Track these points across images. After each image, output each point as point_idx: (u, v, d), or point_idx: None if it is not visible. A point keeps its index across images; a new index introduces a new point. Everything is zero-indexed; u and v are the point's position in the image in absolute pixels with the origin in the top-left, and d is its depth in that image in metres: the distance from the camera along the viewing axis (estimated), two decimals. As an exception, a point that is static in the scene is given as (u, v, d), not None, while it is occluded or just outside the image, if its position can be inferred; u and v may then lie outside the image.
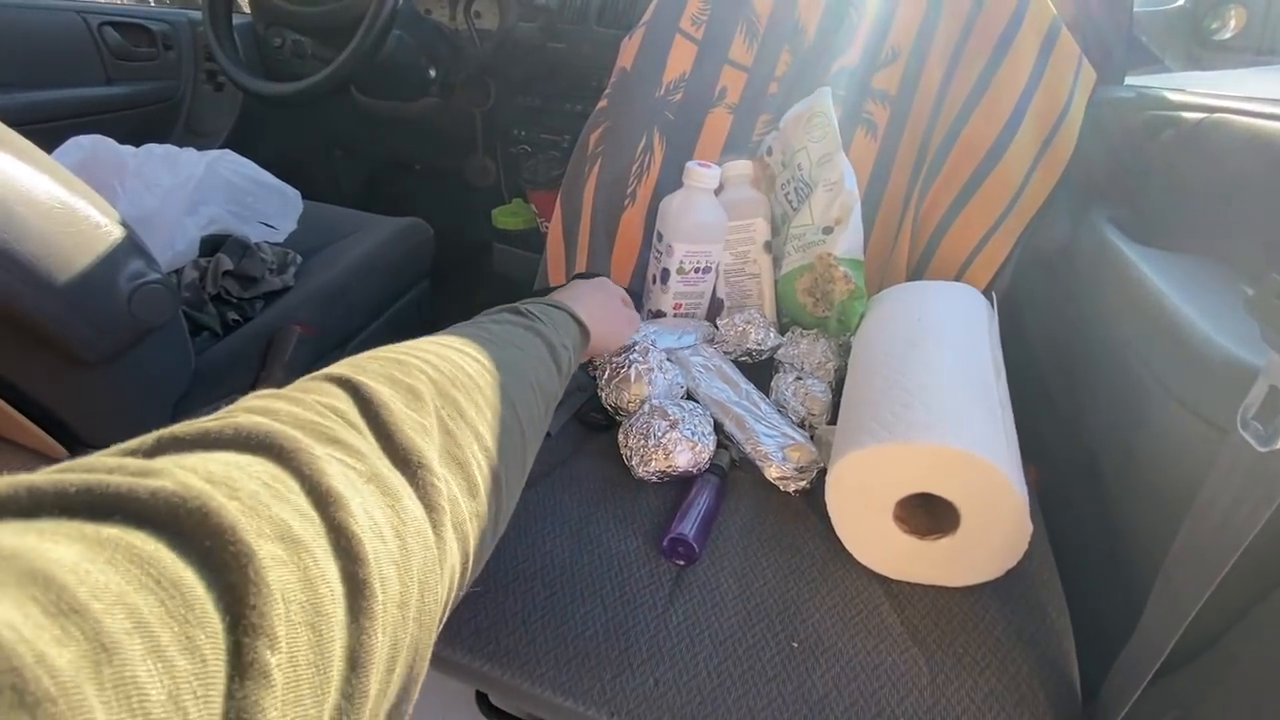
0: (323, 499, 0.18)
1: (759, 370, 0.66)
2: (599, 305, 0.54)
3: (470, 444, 0.27)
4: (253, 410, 0.21)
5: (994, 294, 0.63)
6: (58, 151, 0.73)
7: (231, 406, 0.22)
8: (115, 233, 0.58)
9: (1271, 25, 0.79)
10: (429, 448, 0.24)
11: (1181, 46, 0.92)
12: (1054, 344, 0.68)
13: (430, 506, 0.22)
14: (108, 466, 0.16)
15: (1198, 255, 0.58)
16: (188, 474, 0.16)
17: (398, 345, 0.32)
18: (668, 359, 0.62)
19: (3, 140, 0.53)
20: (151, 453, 0.18)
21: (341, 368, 0.27)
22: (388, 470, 0.22)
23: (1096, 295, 0.60)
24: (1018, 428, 0.49)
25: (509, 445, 0.31)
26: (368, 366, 0.27)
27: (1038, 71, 0.69)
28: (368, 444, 0.22)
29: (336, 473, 0.19)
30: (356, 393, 0.24)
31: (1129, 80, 0.87)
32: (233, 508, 0.16)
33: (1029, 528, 0.43)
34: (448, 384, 0.29)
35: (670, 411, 0.54)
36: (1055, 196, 0.69)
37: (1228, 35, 0.82)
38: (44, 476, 0.15)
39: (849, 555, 0.49)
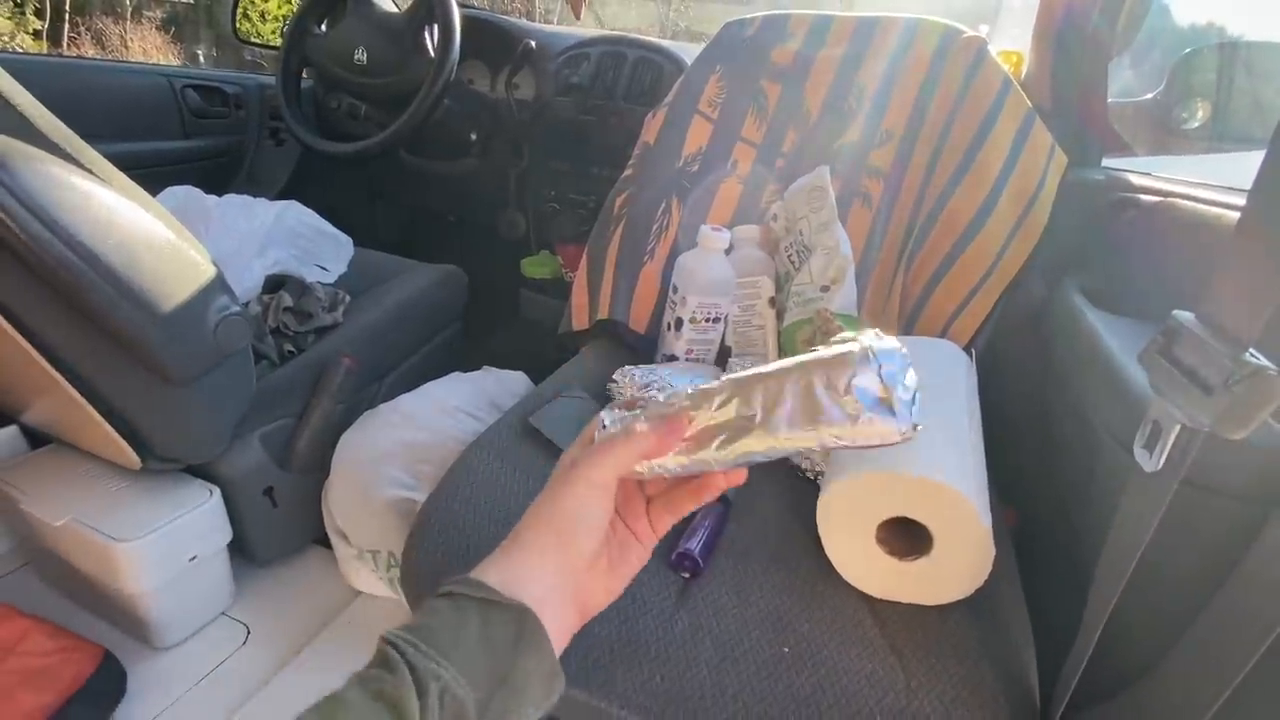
0: None
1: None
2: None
3: None
4: None
5: (974, 350, 0.71)
6: (157, 198, 0.84)
7: None
8: (209, 270, 0.67)
9: (1233, 117, 0.88)
10: None
11: (1152, 134, 1.02)
12: (1030, 398, 0.75)
13: None
14: None
15: (1151, 322, 0.65)
16: None
17: None
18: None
19: (127, 189, 0.63)
20: None
21: None
22: None
23: (1064, 355, 0.67)
24: (998, 473, 0.55)
25: None
26: None
27: (1013, 157, 0.79)
28: None
29: None
30: None
31: (1106, 163, 0.97)
32: None
33: (993, 551, 0.49)
34: None
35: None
36: (1031, 266, 0.78)
37: (1195, 125, 0.92)
38: None
39: (838, 574, 0.55)
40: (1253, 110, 0.80)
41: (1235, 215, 0.59)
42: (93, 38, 6.34)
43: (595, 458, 0.35)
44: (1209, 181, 0.75)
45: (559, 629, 0.34)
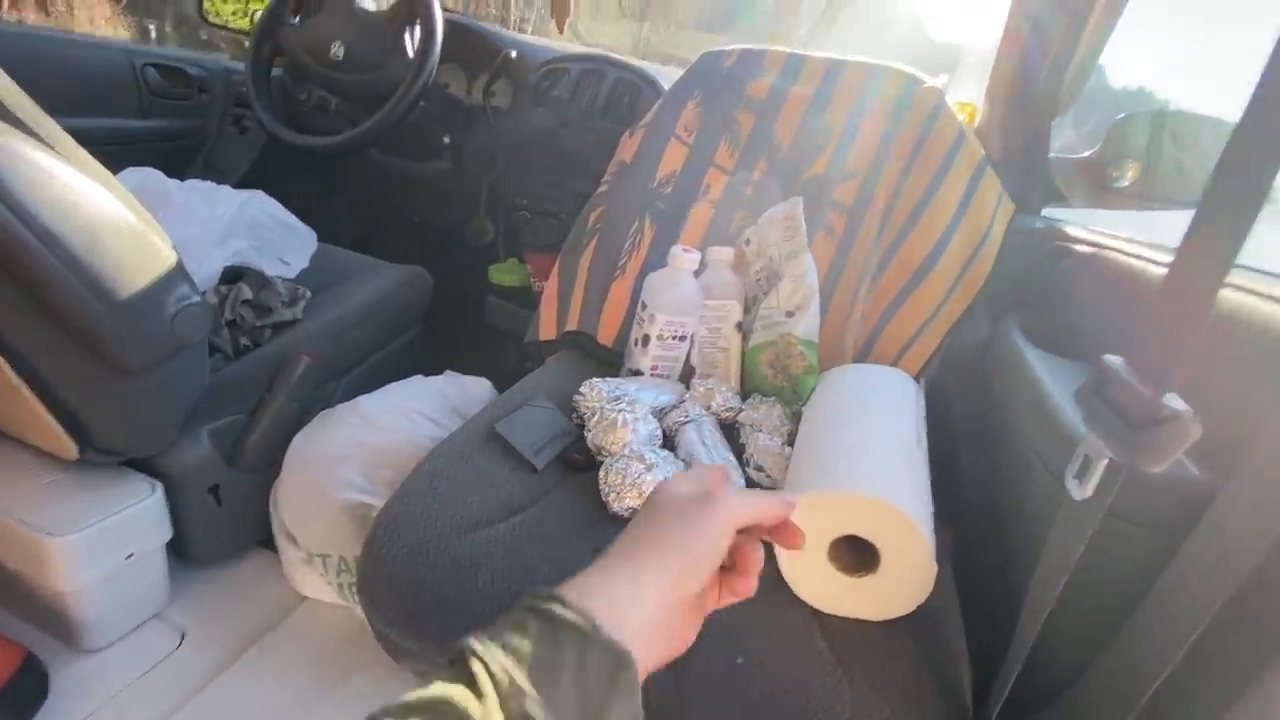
0: None
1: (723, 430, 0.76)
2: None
3: None
4: None
5: (923, 380, 0.75)
6: (117, 178, 0.81)
7: None
8: (170, 257, 0.65)
9: (1160, 179, 0.97)
10: None
11: (1087, 190, 1.10)
12: (972, 426, 0.80)
13: None
14: None
15: (1084, 361, 0.70)
16: None
17: None
18: (649, 413, 0.71)
19: (89, 168, 0.61)
20: None
21: None
22: None
23: (1003, 389, 0.72)
24: (941, 496, 0.59)
25: None
26: None
27: (964, 203, 0.84)
28: None
29: None
30: None
31: (1046, 212, 1.04)
32: None
33: (934, 569, 0.52)
34: None
35: (647, 457, 0.63)
36: (977, 304, 0.83)
37: (1126, 184, 1.00)
38: None
39: (789, 589, 0.57)
40: (1176, 174, 0.88)
41: (1159, 269, 0.65)
42: (36, 1, 5.99)
43: (738, 499, 0.36)
44: (1136, 237, 0.82)
45: (643, 668, 0.32)
